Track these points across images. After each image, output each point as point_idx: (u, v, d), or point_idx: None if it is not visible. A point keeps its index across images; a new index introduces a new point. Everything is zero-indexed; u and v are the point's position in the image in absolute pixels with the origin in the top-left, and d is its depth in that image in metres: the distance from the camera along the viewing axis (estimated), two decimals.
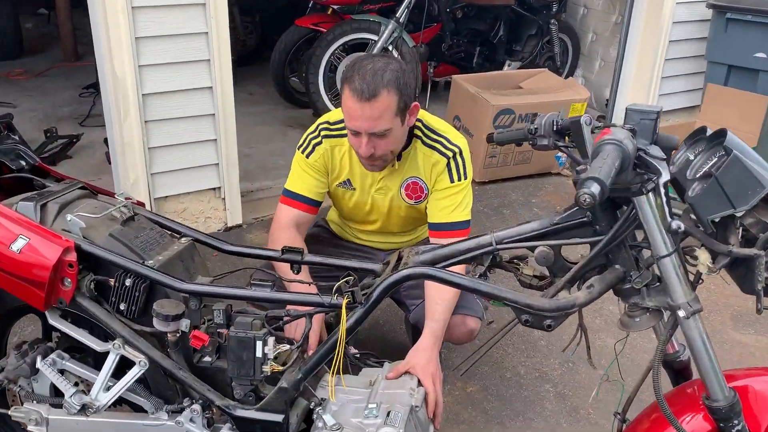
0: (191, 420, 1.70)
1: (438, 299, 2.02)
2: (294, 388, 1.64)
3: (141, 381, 1.76)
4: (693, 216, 1.36)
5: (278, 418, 1.65)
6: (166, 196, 3.53)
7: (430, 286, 2.07)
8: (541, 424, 2.48)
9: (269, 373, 1.64)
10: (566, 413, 2.54)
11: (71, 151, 4.56)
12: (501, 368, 2.78)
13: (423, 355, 1.88)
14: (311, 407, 1.77)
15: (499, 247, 1.56)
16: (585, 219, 1.47)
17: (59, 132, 4.55)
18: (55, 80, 6.17)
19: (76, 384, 1.80)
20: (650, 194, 1.35)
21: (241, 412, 1.66)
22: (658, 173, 1.24)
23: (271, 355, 1.63)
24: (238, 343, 1.61)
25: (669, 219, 1.23)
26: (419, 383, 1.83)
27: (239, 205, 3.73)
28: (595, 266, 1.52)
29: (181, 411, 1.72)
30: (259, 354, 1.62)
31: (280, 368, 1.64)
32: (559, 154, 4.62)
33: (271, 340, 1.62)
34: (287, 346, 1.65)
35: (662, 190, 1.23)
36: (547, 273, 1.60)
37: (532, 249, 1.56)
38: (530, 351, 2.88)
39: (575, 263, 1.53)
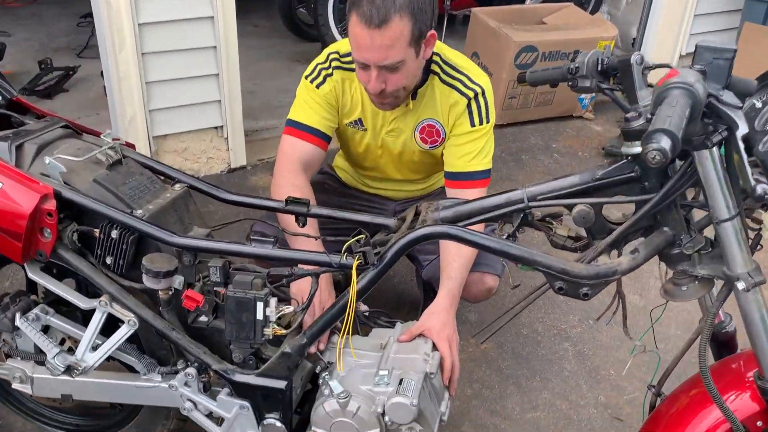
0: (186, 384, 1.57)
1: (455, 256, 1.85)
2: (298, 353, 1.49)
3: (132, 340, 1.61)
4: (763, 174, 1.16)
5: (280, 384, 1.51)
6: (166, 135, 3.34)
7: (447, 242, 1.90)
8: (559, 385, 2.35)
9: (271, 337, 1.49)
10: (586, 374, 2.40)
11: (67, 84, 4.35)
12: (517, 325, 2.63)
13: (438, 317, 1.73)
14: (316, 371, 1.63)
15: (531, 204, 1.37)
16: (633, 174, 1.28)
17: (55, 63, 4.33)
18: (52, 8, 5.88)
19: (63, 341, 1.66)
20: (714, 149, 1.16)
21: (240, 377, 1.52)
22: (733, 124, 1.04)
23: (273, 318, 1.47)
24: (237, 304, 1.46)
25: (751, 182, 1.03)
26: (434, 347, 1.68)
27: (243, 145, 3.54)
28: (640, 228, 1.34)
29: (175, 374, 1.58)
30: (259, 316, 1.46)
31: (283, 332, 1.48)
32: (583, 95, 4.37)
33: (273, 300, 1.46)
34: (291, 308, 1.49)
35: (740, 145, 1.04)
36: (583, 234, 1.42)
37: (568, 207, 1.38)
38: (548, 307, 2.73)
39: (617, 224, 1.35)
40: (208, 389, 1.59)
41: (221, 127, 3.45)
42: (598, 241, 1.35)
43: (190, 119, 3.35)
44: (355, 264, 1.39)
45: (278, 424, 1.55)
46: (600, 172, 1.32)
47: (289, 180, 1.90)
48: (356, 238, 1.40)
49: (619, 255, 1.36)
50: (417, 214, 1.52)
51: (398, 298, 2.74)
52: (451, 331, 1.72)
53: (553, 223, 1.46)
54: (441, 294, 1.78)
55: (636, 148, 1.21)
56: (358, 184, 2.32)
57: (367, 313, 1.88)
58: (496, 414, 2.22)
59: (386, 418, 1.52)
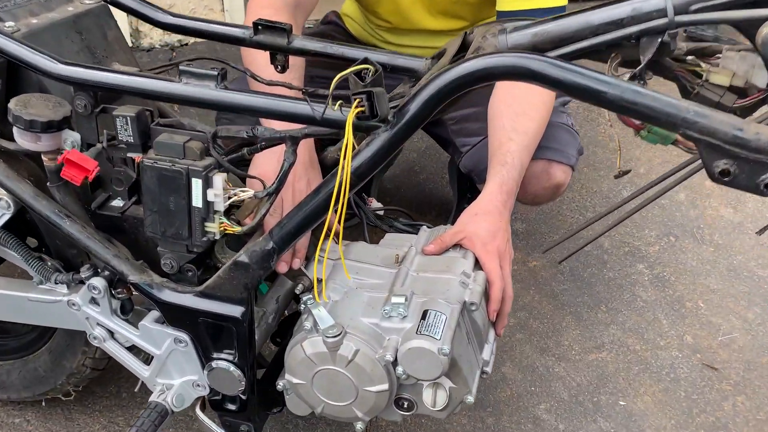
0: (92, 302, 1.02)
1: (516, 125, 1.25)
2: (260, 264, 0.92)
3: (20, 231, 1.07)
4: None
5: (233, 310, 0.96)
6: None
7: (503, 101, 1.29)
8: (631, 318, 1.79)
9: (217, 236, 0.92)
10: (667, 306, 1.83)
11: None
12: (576, 237, 2.04)
13: (485, 220, 1.14)
14: (297, 292, 1.08)
15: (680, 20, 0.76)
16: None
17: None
18: None
19: None
20: None
21: (169, 297, 0.97)
22: None
23: (220, 205, 0.90)
24: (160, 181, 0.89)
25: None
26: (476, 265, 1.11)
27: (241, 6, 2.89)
28: None
29: (79, 285, 1.04)
30: (197, 202, 0.89)
31: (237, 229, 0.92)
32: None
33: (218, 178, 0.89)
34: (249, 192, 0.91)
35: None
36: (759, 84, 0.81)
37: (746, 29, 0.76)
38: (616, 216, 2.13)
39: None
40: (128, 311, 1.05)
41: None
42: None
43: None
44: (352, 114, 0.79)
45: (232, 369, 1.01)
46: None
47: (268, 12, 1.27)
48: (358, 67, 0.79)
49: None
50: (466, 44, 0.91)
51: (425, 203, 2.16)
52: (502, 243, 1.15)
53: (702, 65, 0.84)
54: (491, 187, 1.19)
55: None
56: (373, 39, 1.69)
57: (380, 212, 1.31)
58: (547, 352, 1.68)
59: (399, 370, 0.98)
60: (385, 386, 0.99)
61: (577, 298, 1.84)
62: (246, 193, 0.90)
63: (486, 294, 1.10)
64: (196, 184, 0.88)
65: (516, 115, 1.26)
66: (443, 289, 1.04)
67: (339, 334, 0.96)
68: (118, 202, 0.98)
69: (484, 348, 1.11)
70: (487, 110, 1.34)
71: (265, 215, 0.90)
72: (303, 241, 1.05)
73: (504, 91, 1.30)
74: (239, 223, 0.92)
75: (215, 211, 0.90)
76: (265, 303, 1.12)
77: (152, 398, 1.03)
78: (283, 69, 1.07)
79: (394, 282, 1.05)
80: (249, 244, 0.92)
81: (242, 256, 0.92)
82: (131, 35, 2.76)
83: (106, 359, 1.27)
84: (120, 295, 1.02)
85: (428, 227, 1.21)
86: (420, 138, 2.38)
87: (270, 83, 1.04)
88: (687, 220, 2.14)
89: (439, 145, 1.78)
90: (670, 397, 1.56)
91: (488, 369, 1.10)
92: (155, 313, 1.02)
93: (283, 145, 0.90)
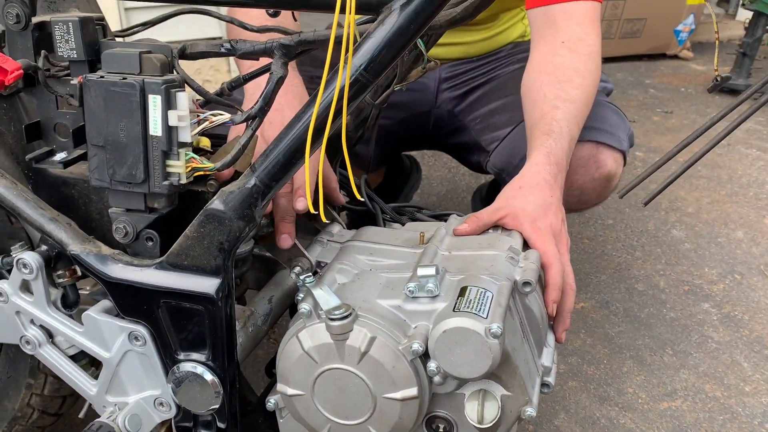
0: (24, 288, 0.78)
1: (560, 93, 1.03)
2: (241, 212, 0.68)
3: None
4: None
5: (204, 285, 0.71)
6: None
7: (542, 70, 1.08)
8: (705, 362, 1.48)
9: (185, 179, 0.69)
10: (745, 347, 1.53)
11: None
12: (626, 277, 1.78)
13: (533, 194, 0.90)
14: (293, 276, 0.83)
15: None
16: None
17: None
18: None
19: None
20: None
21: (121, 272, 0.72)
22: None
23: (186, 134, 0.67)
24: (107, 101, 0.67)
25: None
26: (525, 247, 0.86)
27: None
28: None
29: (6, 270, 0.80)
30: (156, 128, 0.67)
31: (209, 165, 0.69)
32: (680, 28, 3.50)
33: (184, 95, 0.67)
34: (225, 115, 0.69)
35: None
36: None
37: None
38: (669, 255, 1.87)
39: None
40: (71, 303, 0.80)
41: None
42: None
43: None
44: None
45: (204, 372, 0.74)
46: None
47: None
48: None
49: None
50: None
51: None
52: (556, 221, 0.90)
53: None
54: (536, 157, 0.96)
55: None
56: None
57: (388, 209, 1.08)
58: (608, 402, 1.37)
59: (432, 366, 0.71)
60: (413, 391, 0.71)
61: (637, 341, 1.54)
62: (220, 117, 0.68)
63: (540, 281, 0.84)
64: (154, 103, 0.66)
65: (559, 82, 1.05)
66: (486, 265, 0.78)
67: (348, 315, 0.70)
68: (61, 156, 0.76)
69: (542, 351, 0.83)
70: (521, 90, 1.13)
71: (246, 146, 0.67)
72: (301, 177, 0.81)
73: (542, 60, 1.10)
74: (215, 160, 0.69)
75: (180, 143, 0.68)
76: (255, 302, 0.87)
77: (99, 420, 0.76)
78: (276, 13, 0.88)
79: (419, 262, 0.80)
80: (231, 187, 0.68)
81: (215, 203, 0.68)
82: None
83: (61, 398, 1.01)
84: (61, 280, 0.78)
85: (459, 215, 0.97)
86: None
87: (261, 30, 0.85)
88: (751, 258, 1.87)
89: (462, 162, 1.56)
90: None
91: (550, 380, 0.82)
92: (105, 303, 0.77)
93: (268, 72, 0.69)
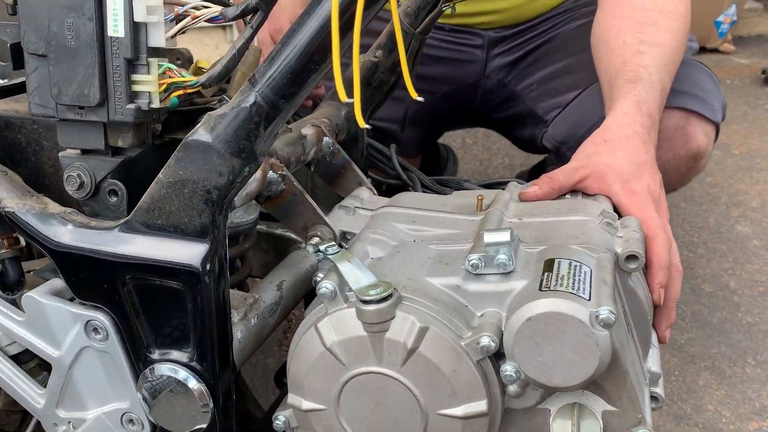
0: None
1: (644, 37, 0.83)
2: (234, 144, 0.47)
3: None
4: None
5: (184, 252, 0.50)
6: None
7: (619, 15, 0.87)
8: None
9: (157, 102, 0.49)
10: None
11: None
12: (690, 277, 1.55)
13: (623, 149, 0.70)
14: (311, 251, 0.62)
15: None
16: None
17: None
18: None
19: None
20: None
21: (73, 238, 0.52)
22: None
23: (160, 34, 0.47)
24: None
25: None
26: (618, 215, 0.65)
27: None
28: None
29: None
30: (116, 27, 0.46)
31: (189, 79, 0.48)
32: (720, 18, 3.27)
33: None
34: (215, 8, 0.49)
35: None
36: None
37: None
38: (737, 252, 1.64)
39: None
40: (13, 284, 0.60)
41: None
42: None
43: None
44: None
45: (192, 382, 0.53)
46: None
47: None
48: None
49: None
50: None
51: None
52: (654, 183, 0.69)
53: None
54: (623, 106, 0.75)
55: None
56: None
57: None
58: (686, 420, 1.14)
59: (508, 370, 0.49)
60: (481, 405, 0.50)
61: (712, 349, 1.32)
62: (206, 11, 0.48)
63: (647, 266, 0.63)
64: None
65: (641, 25, 0.84)
66: (575, 233, 0.57)
67: (388, 297, 0.49)
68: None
69: (647, 352, 0.62)
70: (591, 44, 0.92)
71: (248, 43, 0.46)
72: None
73: (617, 3, 0.89)
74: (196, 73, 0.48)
75: (151, 49, 0.47)
76: (259, 288, 0.66)
77: None
78: None
79: (479, 228, 0.59)
80: (213, 111, 0.48)
81: (199, 132, 0.47)
82: None
83: (20, 413, 0.80)
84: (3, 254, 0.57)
85: (521, 182, 0.76)
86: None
87: None
88: None
89: (512, 139, 1.33)
90: None
91: (659, 391, 0.60)
92: (55, 282, 0.56)
93: None
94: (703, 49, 3.37)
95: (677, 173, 1.00)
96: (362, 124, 0.41)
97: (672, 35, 0.85)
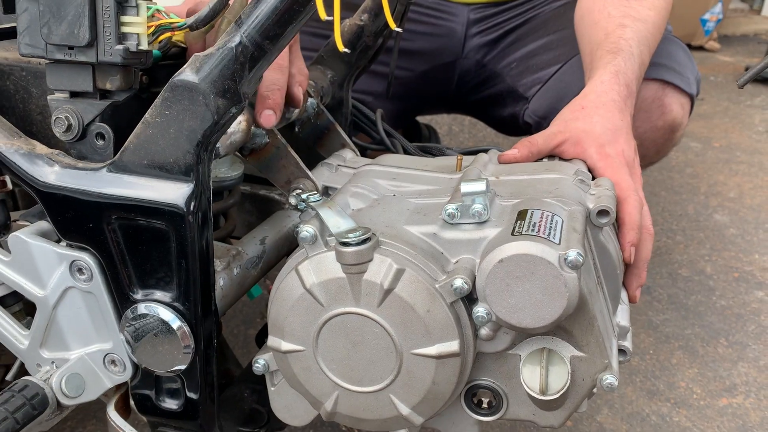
0: None
1: (628, 11, 0.86)
2: (219, 84, 0.49)
3: None
4: None
5: (169, 192, 0.51)
6: None
7: None
8: (766, 354, 1.29)
9: (145, 44, 0.50)
10: None
11: None
12: (667, 262, 1.58)
13: (599, 115, 0.72)
14: (293, 202, 0.64)
15: None
16: None
17: None
18: None
19: None
20: None
21: (59, 178, 0.53)
22: None
23: None
24: None
25: None
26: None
27: None
28: None
29: None
30: None
31: (177, 21, 0.50)
32: (707, 16, 3.31)
33: None
34: None
35: None
36: None
37: None
38: (714, 241, 1.68)
39: None
40: (1, 230, 0.61)
41: None
42: None
43: None
44: None
45: (174, 322, 0.55)
46: None
47: None
48: None
49: None
50: None
51: None
52: (629, 148, 0.71)
53: None
54: (602, 75, 0.77)
55: None
56: None
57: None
58: (658, 396, 1.17)
59: (480, 312, 0.51)
60: (454, 345, 0.52)
61: (686, 330, 1.35)
62: None
63: (618, 224, 0.65)
64: None
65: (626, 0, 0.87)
66: (548, 188, 0.59)
67: (366, 240, 0.51)
68: None
69: (617, 307, 0.64)
70: (575, 17, 0.95)
71: None
72: (297, 51, 0.62)
73: None
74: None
75: None
76: (243, 243, 0.68)
77: (27, 378, 0.56)
78: None
79: (458, 184, 0.61)
80: (200, 52, 0.49)
81: (185, 72, 0.49)
82: None
83: (3, 368, 0.81)
84: None
85: (501, 150, 0.78)
86: None
87: None
88: None
89: (490, 123, 1.36)
90: None
91: (627, 344, 0.63)
92: (42, 224, 0.58)
93: None
94: (688, 47, 3.42)
95: (654, 145, 1.02)
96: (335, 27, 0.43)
97: (656, 12, 0.87)
